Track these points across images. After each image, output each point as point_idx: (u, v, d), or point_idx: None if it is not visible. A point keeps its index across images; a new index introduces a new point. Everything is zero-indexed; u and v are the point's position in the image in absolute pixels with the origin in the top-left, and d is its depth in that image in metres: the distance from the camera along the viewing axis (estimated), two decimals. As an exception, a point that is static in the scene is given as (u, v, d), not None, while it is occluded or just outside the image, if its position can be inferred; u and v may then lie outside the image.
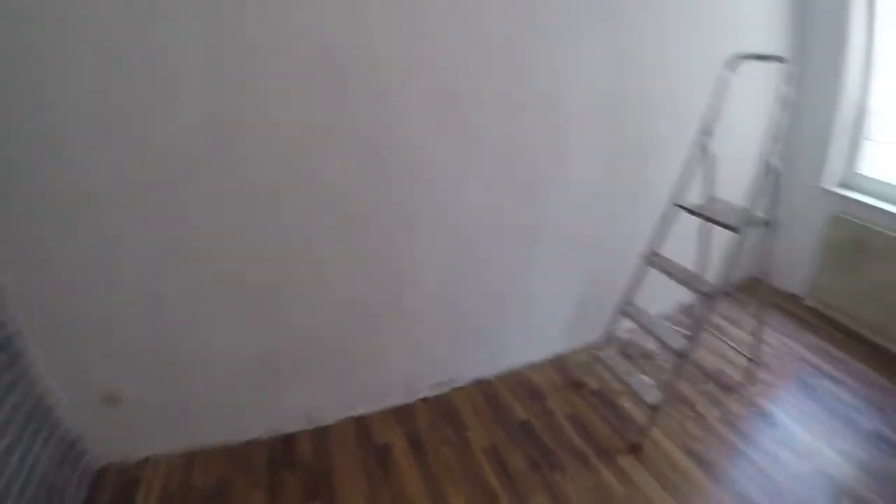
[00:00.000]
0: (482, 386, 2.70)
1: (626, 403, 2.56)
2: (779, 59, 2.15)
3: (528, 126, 2.33)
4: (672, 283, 2.41)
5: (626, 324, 2.71)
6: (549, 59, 2.26)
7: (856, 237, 3.11)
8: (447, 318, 2.56)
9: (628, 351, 2.85)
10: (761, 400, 2.75)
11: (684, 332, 2.90)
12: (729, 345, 3.00)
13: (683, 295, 3.19)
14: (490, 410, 2.58)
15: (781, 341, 3.11)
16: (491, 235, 2.46)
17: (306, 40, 1.86)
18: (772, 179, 2.20)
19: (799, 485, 2.32)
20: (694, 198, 2.48)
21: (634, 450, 2.33)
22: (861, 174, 3.19)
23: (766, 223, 2.30)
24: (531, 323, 2.76)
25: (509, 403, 2.60)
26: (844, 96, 3.06)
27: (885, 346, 3.18)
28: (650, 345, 2.88)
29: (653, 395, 2.32)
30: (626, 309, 2.52)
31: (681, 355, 2.23)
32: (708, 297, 2.23)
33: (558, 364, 2.80)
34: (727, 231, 2.22)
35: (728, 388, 2.79)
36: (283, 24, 1.82)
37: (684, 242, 2.67)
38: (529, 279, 2.64)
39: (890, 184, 3.04)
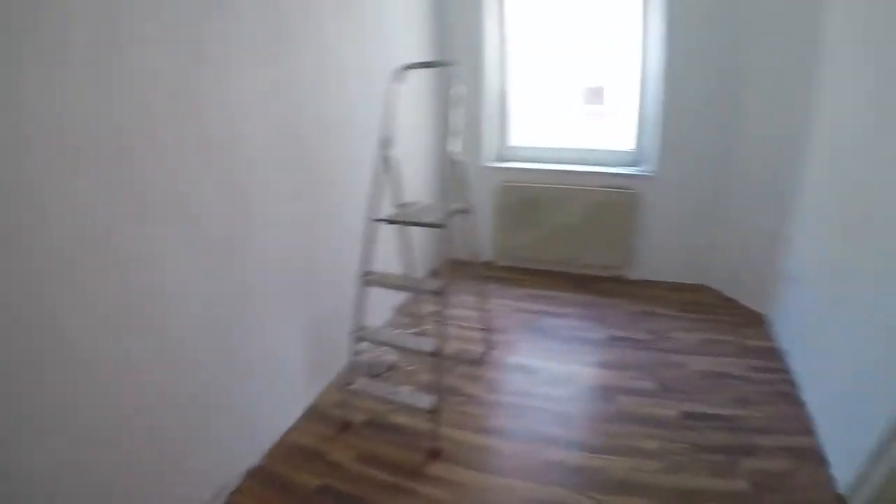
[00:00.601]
0: (256, 475, 2.38)
1: (403, 419, 2.54)
2: (443, 63, 2.36)
3: (206, 178, 1.90)
4: (384, 291, 2.48)
5: (363, 346, 2.69)
6: (220, 94, 1.91)
7: (521, 197, 3.72)
8: (189, 422, 2.13)
9: (375, 372, 2.83)
10: (509, 358, 3.04)
11: (416, 331, 3.05)
12: (461, 326, 3.23)
13: (396, 298, 3.34)
14: (280, 495, 2.30)
15: (498, 304, 3.46)
16: (198, 315, 2.08)
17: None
18: (458, 170, 2.40)
19: (576, 404, 2.71)
20: (388, 207, 2.57)
21: (435, 455, 2.33)
22: (511, 146, 3.88)
23: (464, 211, 2.51)
24: (273, 385, 2.45)
25: (294, 477, 2.36)
26: (487, 88, 3.70)
27: (574, 272, 3.90)
28: (391, 357, 2.92)
29: (425, 401, 2.35)
30: (360, 334, 2.49)
31: (435, 354, 2.30)
32: (439, 293, 2.33)
33: (316, 414, 2.62)
34: (426, 229, 2.37)
35: (478, 362, 3.00)
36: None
37: (388, 251, 2.77)
38: (257, 340, 2.32)
39: (533, 147, 3.82)
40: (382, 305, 3.25)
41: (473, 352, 3.06)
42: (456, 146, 2.39)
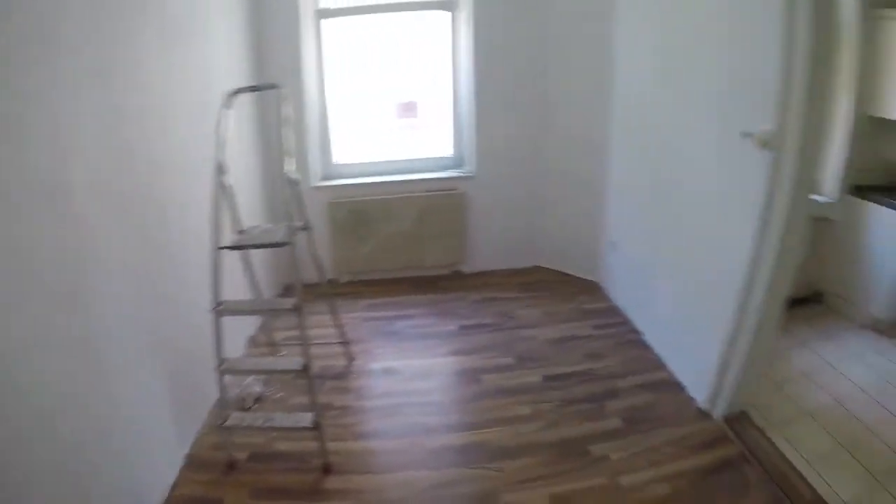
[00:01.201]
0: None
1: (285, 445, 2.47)
2: (271, 86, 2.34)
3: (35, 222, 1.60)
4: (234, 324, 2.41)
5: (228, 379, 2.58)
6: (48, 131, 1.72)
7: (352, 212, 3.81)
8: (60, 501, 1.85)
9: (246, 405, 2.73)
10: (372, 364, 3.11)
11: (278, 356, 3.00)
12: (318, 343, 3.22)
13: (247, 330, 3.24)
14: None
15: (348, 317, 3.48)
16: (43, 380, 1.79)
17: None
18: (295, 189, 2.41)
19: (446, 392, 2.92)
20: (230, 234, 2.50)
21: (328, 470, 2.30)
22: (336, 164, 3.96)
23: (305, 228, 2.52)
24: (145, 441, 2.20)
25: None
26: (308, 109, 3.72)
27: (414, 275, 4.10)
28: (256, 387, 2.83)
29: (305, 419, 2.32)
30: (225, 367, 2.39)
31: (306, 369, 2.28)
32: (296, 310, 2.32)
33: (197, 461, 2.41)
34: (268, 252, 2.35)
35: (342, 374, 3.01)
36: None
37: (234, 279, 2.69)
38: (115, 396, 2.05)
39: (357, 163, 4.03)
40: (235, 339, 3.10)
41: (336, 366, 3.06)
42: (291, 165, 2.42)
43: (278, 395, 2.80)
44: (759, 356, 2.43)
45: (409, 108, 4.38)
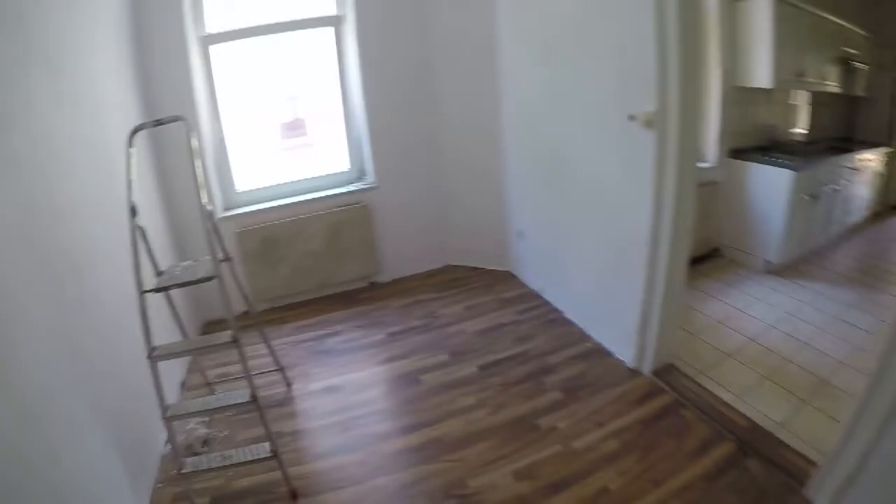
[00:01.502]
0: None
1: (246, 481, 2.43)
2: (176, 119, 2.29)
3: None
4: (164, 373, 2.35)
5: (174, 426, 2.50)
6: None
7: (262, 238, 3.78)
8: None
9: (196, 450, 2.66)
10: (311, 385, 3.11)
11: (219, 393, 2.95)
12: (253, 374, 3.18)
13: (177, 376, 3.14)
14: None
15: (277, 343, 3.45)
16: None
17: None
18: (211, 221, 2.39)
19: (390, 398, 2.99)
20: (150, 277, 2.42)
21: (295, 496, 2.31)
22: (239, 192, 3.88)
23: (227, 259, 2.50)
24: None
25: None
26: (205, 139, 3.62)
27: (334, 293, 4.15)
28: (201, 430, 2.77)
29: (263, 450, 2.32)
30: (169, 415, 2.34)
31: (255, 399, 2.27)
32: (235, 342, 2.30)
33: None
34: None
35: (286, 400, 3.00)
36: None
37: (159, 323, 2.61)
38: (59, 471, 1.96)
39: (259, 188, 3.98)
40: (167, 386, 2.98)
41: (276, 393, 3.03)
42: (205, 198, 2.40)
43: (224, 434, 2.75)
44: (672, 311, 2.77)
45: (295, 127, 4.37)
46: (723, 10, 3.87)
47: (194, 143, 2.33)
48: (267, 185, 4.02)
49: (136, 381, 2.33)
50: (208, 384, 3.01)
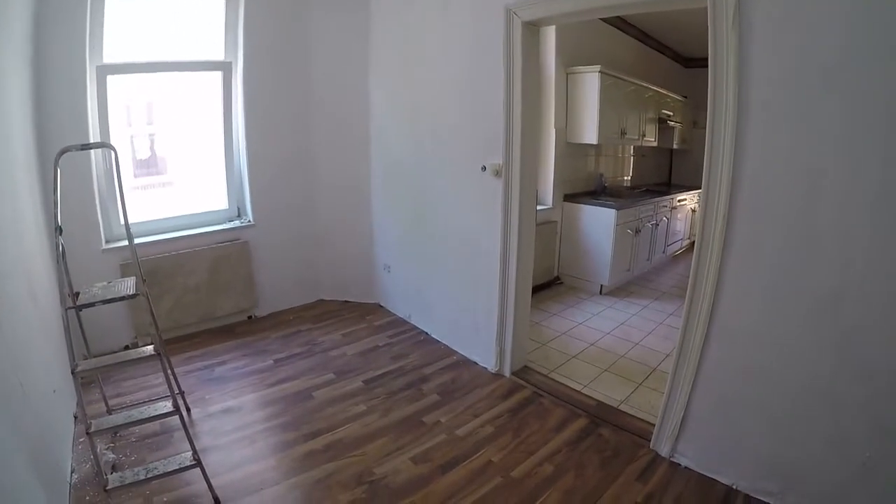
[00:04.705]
0: None
1: (166, 497, 2.60)
2: (103, 145, 2.58)
3: None
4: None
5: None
6: None
7: (144, 272, 3.92)
8: None
9: (118, 465, 2.81)
10: (210, 408, 3.40)
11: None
12: (148, 402, 3.38)
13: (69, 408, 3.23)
14: None
15: (178, 370, 3.67)
16: None
17: None
18: (131, 246, 2.69)
19: (288, 413, 3.37)
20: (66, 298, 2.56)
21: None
22: (122, 224, 3.97)
23: (144, 280, 2.80)
24: None
25: None
26: (93, 175, 3.79)
27: (214, 326, 4.45)
28: (109, 456, 2.89)
29: (185, 459, 2.55)
30: (91, 431, 2.46)
31: (177, 410, 2.55)
32: (158, 355, 2.57)
33: None
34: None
35: (188, 423, 3.25)
36: None
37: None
38: None
39: (140, 222, 4.12)
40: (62, 420, 3.04)
41: (176, 417, 3.27)
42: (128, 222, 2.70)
43: (133, 459, 2.93)
44: (523, 324, 3.64)
45: (150, 165, 4.46)
46: (559, 80, 4.93)
47: (118, 170, 2.61)
48: (149, 218, 4.21)
49: (45, 410, 2.49)
50: (111, 412, 3.17)
